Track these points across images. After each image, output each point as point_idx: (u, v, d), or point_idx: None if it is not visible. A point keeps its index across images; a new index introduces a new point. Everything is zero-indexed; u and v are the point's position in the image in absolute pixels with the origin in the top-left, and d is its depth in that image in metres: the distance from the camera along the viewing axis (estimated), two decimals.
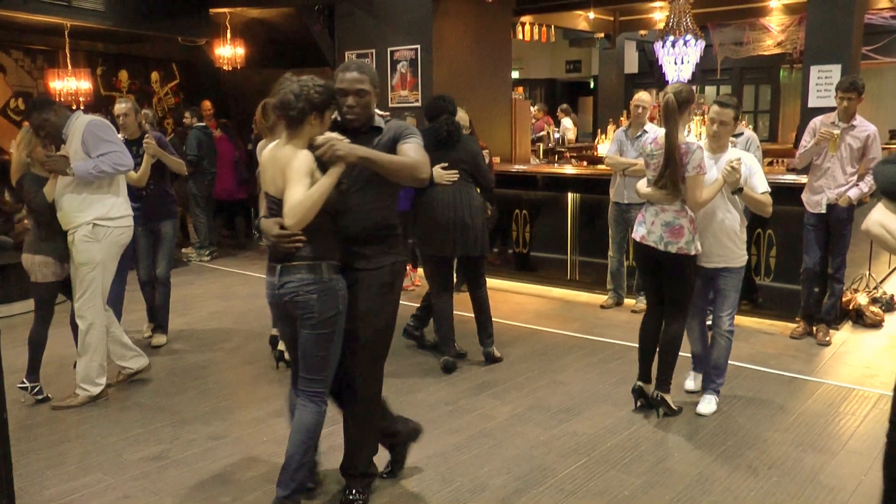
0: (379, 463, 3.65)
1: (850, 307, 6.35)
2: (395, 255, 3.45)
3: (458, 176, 5.18)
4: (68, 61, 9.53)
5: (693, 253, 4.33)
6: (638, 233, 4.48)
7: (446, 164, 5.14)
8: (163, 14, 9.33)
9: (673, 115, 4.24)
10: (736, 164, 4.26)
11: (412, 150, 3.29)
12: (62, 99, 9.39)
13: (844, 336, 6.05)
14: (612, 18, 12.69)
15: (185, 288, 7.86)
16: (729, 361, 5.43)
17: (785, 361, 5.44)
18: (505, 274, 8.03)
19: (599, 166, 7.99)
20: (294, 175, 3.01)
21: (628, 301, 6.97)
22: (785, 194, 5.76)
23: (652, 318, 4.58)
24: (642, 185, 4.51)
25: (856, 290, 6.56)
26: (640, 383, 4.59)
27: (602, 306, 6.97)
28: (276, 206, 3.14)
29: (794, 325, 6.07)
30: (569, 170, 8.21)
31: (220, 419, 4.51)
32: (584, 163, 9.48)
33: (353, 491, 3.47)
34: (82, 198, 4.62)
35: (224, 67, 10.45)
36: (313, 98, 3.07)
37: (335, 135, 3.08)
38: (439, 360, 5.33)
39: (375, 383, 3.52)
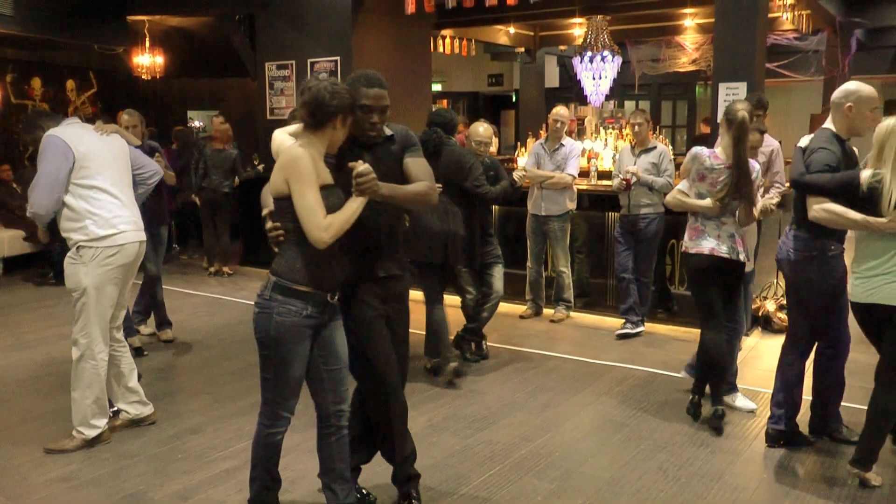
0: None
1: (759, 313, 6.60)
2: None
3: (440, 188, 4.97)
4: None
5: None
6: (704, 246, 4.41)
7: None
8: (77, 21, 9.07)
9: (746, 133, 4.28)
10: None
11: (420, 169, 3.27)
12: None
13: (754, 341, 6.28)
14: (532, 34, 12.91)
15: None
16: (643, 368, 5.60)
17: None
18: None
19: None
20: (306, 178, 2.85)
21: (547, 311, 7.09)
22: None
23: (722, 333, 4.53)
24: (696, 198, 4.47)
25: (764, 298, 6.82)
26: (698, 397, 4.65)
27: (521, 316, 7.06)
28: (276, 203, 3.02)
29: None
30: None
31: (134, 437, 4.40)
32: None
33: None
34: (64, 215, 4.09)
35: (143, 76, 10.25)
36: (345, 101, 2.99)
37: (368, 167, 2.94)
38: (448, 368, 5.26)
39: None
